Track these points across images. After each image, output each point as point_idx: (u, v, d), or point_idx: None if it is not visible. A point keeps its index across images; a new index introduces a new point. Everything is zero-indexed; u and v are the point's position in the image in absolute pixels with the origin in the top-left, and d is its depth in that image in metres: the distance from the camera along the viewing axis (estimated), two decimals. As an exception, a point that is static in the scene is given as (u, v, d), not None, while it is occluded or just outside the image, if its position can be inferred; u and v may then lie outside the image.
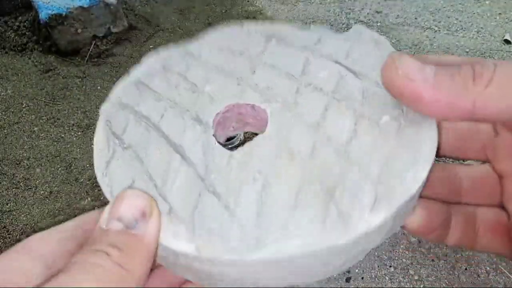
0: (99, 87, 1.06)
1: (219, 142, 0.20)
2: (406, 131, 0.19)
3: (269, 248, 0.16)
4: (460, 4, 1.39)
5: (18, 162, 0.86)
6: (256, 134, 0.21)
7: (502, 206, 0.23)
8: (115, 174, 0.20)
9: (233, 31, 0.25)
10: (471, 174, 0.24)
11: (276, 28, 0.24)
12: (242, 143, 0.21)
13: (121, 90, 0.24)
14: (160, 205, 0.18)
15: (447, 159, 0.25)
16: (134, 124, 0.22)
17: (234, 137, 0.82)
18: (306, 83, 0.21)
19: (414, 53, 1.15)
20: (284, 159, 0.19)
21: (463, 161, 0.24)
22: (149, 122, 0.22)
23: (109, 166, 0.20)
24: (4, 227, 0.74)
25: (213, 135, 0.21)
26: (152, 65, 0.25)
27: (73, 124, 0.95)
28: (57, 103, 1.01)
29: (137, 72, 0.25)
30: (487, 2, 1.39)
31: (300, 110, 0.20)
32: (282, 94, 0.21)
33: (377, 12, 1.37)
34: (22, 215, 0.76)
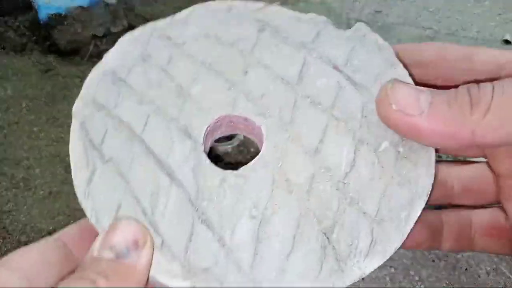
0: (99, 87, 1.06)
1: (210, 159, 0.19)
2: (404, 163, 0.18)
3: None
4: (460, 4, 1.39)
5: (18, 162, 0.86)
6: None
7: (496, 206, 0.22)
8: (98, 196, 0.19)
9: (220, 13, 0.22)
10: (463, 174, 0.23)
11: (270, 14, 0.22)
12: (240, 145, 0.20)
13: (95, 84, 0.21)
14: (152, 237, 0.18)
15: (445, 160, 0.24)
16: (113, 132, 0.20)
17: (234, 136, 0.81)
18: (304, 94, 0.20)
19: (414, 53, 1.15)
20: (282, 191, 0.18)
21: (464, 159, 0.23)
22: (130, 131, 0.20)
23: (90, 185, 0.19)
24: (4, 227, 0.74)
25: (204, 151, 0.20)
26: (128, 51, 0.22)
27: (73, 124, 0.95)
28: (57, 103, 1.01)
29: (112, 60, 0.22)
30: (487, 2, 1.39)
31: (298, 130, 0.19)
32: (277, 105, 0.20)
33: (377, 12, 1.37)
34: (22, 215, 0.76)
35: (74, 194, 0.19)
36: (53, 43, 1.18)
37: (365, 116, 0.19)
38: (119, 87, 0.21)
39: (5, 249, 0.71)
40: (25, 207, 0.77)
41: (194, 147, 0.19)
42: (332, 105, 0.20)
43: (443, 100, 0.17)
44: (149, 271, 0.18)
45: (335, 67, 0.20)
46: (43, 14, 1.15)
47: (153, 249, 0.18)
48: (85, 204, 0.19)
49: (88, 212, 0.19)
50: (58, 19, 1.15)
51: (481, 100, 0.16)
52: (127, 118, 0.20)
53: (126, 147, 0.19)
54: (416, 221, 0.18)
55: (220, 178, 0.19)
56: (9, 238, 0.72)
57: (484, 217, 0.23)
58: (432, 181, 0.18)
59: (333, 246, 0.17)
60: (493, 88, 0.17)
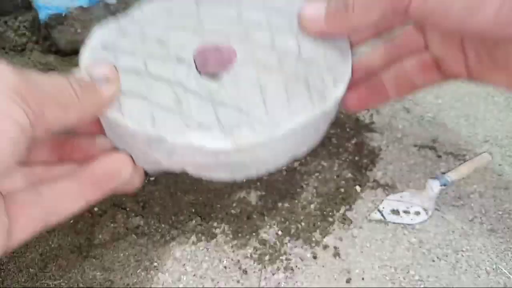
0: (99, 87, 1.06)
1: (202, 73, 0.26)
2: (328, 41, 0.27)
3: (284, 125, 0.24)
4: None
5: (17, 162, 0.85)
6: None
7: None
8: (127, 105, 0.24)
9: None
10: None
11: None
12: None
13: (87, 56, 0.26)
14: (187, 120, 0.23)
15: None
16: (121, 74, 0.24)
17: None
18: (247, 21, 0.28)
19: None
20: (265, 72, 0.26)
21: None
22: (136, 71, 0.25)
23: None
24: (4, 227, 0.74)
25: (196, 69, 0.26)
26: (100, 41, 0.27)
27: (72, 124, 0.94)
28: (57, 103, 1.01)
29: (96, 39, 0.27)
30: (487, 2, 1.39)
31: (255, 43, 0.27)
32: (234, 34, 0.28)
33: (377, 12, 1.37)
34: (22, 215, 0.75)
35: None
36: (53, 43, 1.18)
37: (296, 28, 0.28)
38: (111, 50, 0.26)
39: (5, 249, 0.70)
40: (25, 207, 0.77)
41: (189, 66, 0.26)
42: (269, 23, 0.28)
43: (330, 5, 0.25)
44: (110, 102, 0.23)
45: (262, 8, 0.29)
46: (43, 14, 1.15)
47: (119, 89, 0.23)
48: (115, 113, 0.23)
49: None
50: (58, 19, 1.15)
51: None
52: (129, 63, 0.25)
53: (136, 80, 0.24)
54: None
55: (218, 82, 0.25)
56: (9, 238, 0.72)
57: (413, 60, 0.29)
58: (350, 50, 0.28)
59: (314, 86, 0.25)
60: None
